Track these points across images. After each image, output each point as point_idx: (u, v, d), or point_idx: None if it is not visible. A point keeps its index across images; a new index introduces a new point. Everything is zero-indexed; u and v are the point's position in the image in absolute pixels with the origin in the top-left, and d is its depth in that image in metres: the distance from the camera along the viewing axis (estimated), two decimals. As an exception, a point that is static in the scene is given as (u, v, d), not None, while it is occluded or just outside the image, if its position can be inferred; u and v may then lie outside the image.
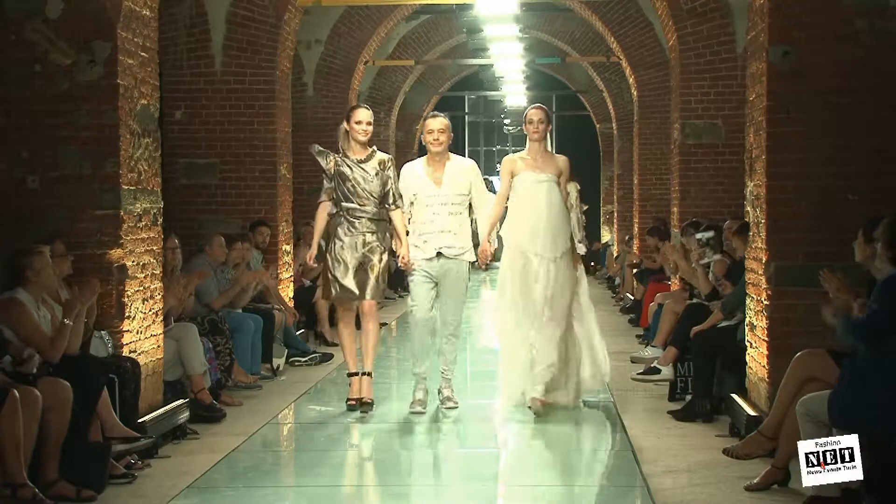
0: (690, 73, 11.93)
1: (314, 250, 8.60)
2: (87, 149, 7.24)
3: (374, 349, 8.51)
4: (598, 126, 24.98)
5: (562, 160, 8.53)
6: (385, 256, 8.43)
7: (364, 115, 8.46)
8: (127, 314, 7.33)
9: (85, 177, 7.25)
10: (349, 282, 8.31)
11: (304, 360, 10.88)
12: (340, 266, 8.33)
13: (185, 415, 7.67)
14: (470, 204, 8.55)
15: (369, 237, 8.35)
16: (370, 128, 8.43)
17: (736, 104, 11.23)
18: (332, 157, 8.43)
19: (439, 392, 8.52)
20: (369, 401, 8.33)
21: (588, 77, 23.16)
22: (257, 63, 11.48)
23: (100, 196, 7.24)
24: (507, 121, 31.36)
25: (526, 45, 20.56)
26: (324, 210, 8.49)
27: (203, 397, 8.23)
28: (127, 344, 7.33)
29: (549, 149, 8.71)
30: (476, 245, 8.57)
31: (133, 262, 7.45)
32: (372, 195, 8.35)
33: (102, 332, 7.13)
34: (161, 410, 7.45)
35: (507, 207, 8.49)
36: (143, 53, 7.61)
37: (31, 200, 7.28)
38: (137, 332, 7.50)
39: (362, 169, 8.35)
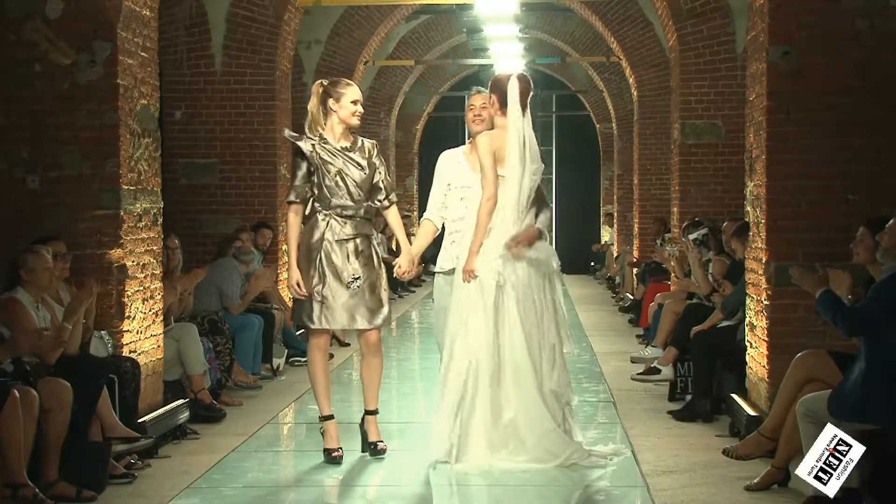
0: (690, 73, 11.93)
1: (298, 276, 6.78)
2: (87, 149, 7.25)
3: (379, 385, 7.08)
4: (598, 126, 24.98)
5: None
6: (383, 270, 6.97)
7: (359, 93, 6.96)
8: (127, 314, 7.34)
9: (85, 177, 7.26)
10: (340, 305, 6.77)
11: (304, 360, 10.83)
12: (327, 283, 6.77)
13: (185, 415, 7.68)
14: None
15: (361, 243, 6.86)
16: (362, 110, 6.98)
17: (736, 104, 11.24)
18: (310, 143, 6.85)
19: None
20: (383, 446, 7.00)
21: (588, 77, 23.16)
22: (257, 63, 11.49)
23: (100, 196, 7.24)
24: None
25: (526, 45, 20.57)
26: (297, 216, 6.87)
27: (203, 397, 8.24)
28: (127, 344, 7.33)
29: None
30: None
31: (133, 262, 7.45)
32: (362, 190, 6.88)
33: (102, 332, 7.13)
34: (161, 410, 7.45)
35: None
36: (143, 53, 7.61)
37: (31, 200, 7.29)
38: (137, 332, 7.50)
39: (351, 158, 6.86)
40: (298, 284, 6.80)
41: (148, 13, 7.69)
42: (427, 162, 25.76)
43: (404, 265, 7.03)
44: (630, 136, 18.90)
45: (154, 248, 7.82)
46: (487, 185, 6.73)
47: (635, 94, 16.71)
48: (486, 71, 24.63)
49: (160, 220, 7.94)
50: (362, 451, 7.02)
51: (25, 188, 7.30)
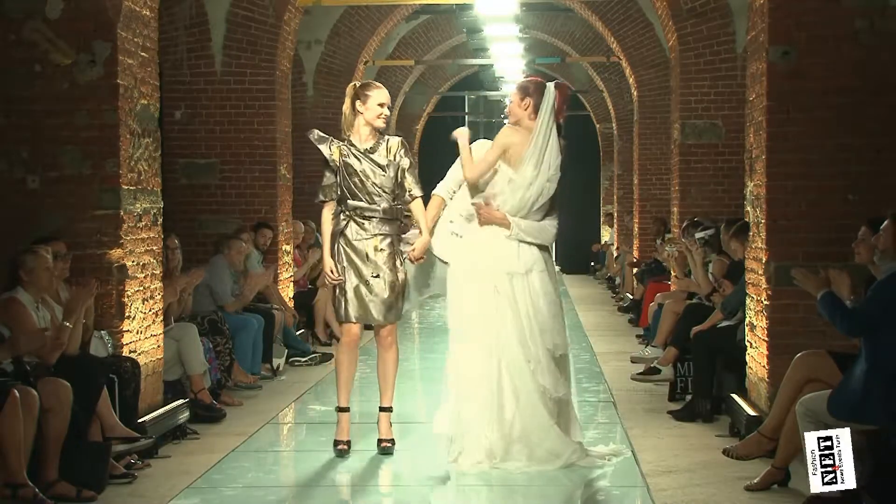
0: (690, 73, 11.93)
1: (332, 263, 7.02)
2: (87, 149, 7.25)
3: (394, 382, 7.20)
4: (598, 126, 24.97)
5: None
6: (402, 267, 7.07)
7: (386, 96, 7.10)
8: (127, 314, 7.34)
9: (85, 177, 7.26)
10: (356, 300, 6.98)
11: (304, 360, 10.88)
12: (349, 279, 6.98)
13: (185, 415, 7.68)
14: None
15: (381, 242, 7.00)
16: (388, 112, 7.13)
17: (736, 104, 11.23)
18: (335, 146, 7.07)
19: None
20: (387, 445, 7.08)
21: (588, 77, 23.15)
22: (257, 63, 11.48)
23: (100, 196, 7.25)
24: (506, 121, 31.26)
25: (526, 45, 20.56)
26: (329, 212, 7.09)
27: (203, 397, 8.24)
28: (127, 344, 7.33)
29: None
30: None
31: (133, 262, 7.45)
32: (384, 190, 7.01)
33: (102, 332, 7.13)
34: (161, 410, 7.45)
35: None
36: (143, 53, 7.61)
37: (31, 200, 7.29)
38: (137, 332, 7.50)
39: (373, 160, 7.00)
40: (332, 271, 7.02)
41: (148, 13, 7.69)
42: (427, 162, 25.78)
43: (418, 250, 7.02)
44: (630, 136, 18.90)
45: (154, 248, 7.82)
46: (471, 169, 6.94)
47: (635, 94, 16.70)
48: (486, 71, 24.67)
49: (160, 220, 7.94)
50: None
51: (25, 188, 7.30)
